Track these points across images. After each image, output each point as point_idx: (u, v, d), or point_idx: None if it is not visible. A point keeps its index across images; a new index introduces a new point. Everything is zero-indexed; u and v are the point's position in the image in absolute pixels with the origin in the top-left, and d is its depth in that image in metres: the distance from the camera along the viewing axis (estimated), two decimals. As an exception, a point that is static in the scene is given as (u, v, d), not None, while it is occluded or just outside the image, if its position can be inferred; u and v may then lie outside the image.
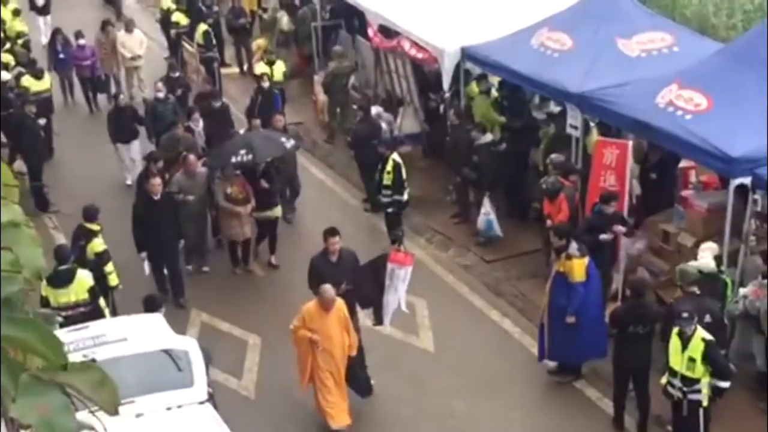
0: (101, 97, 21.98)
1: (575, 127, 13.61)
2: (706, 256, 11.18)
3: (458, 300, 13.89)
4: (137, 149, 17.61)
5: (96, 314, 11.30)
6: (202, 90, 19.14)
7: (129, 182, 17.40)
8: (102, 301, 11.69)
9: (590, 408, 11.49)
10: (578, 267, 11.26)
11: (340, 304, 10.64)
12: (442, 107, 17.50)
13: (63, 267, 11.40)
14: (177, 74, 19.51)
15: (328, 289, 10.50)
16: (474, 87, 16.89)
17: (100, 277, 12.16)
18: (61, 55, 21.81)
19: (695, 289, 10.56)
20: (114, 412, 2.47)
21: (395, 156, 14.88)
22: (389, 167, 14.70)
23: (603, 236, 12.11)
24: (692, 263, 11.10)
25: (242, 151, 14.21)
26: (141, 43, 22.10)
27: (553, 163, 13.66)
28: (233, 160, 14.21)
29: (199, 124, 16.49)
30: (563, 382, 11.92)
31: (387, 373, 12.25)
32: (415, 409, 11.56)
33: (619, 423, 11.06)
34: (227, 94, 21.92)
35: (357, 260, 11.67)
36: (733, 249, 11.53)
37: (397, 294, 11.42)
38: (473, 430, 11.18)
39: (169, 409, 9.26)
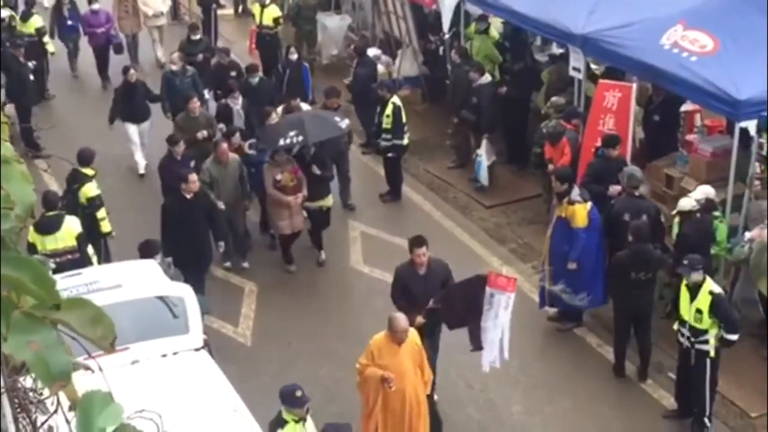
0: (116, 61, 19.14)
1: (578, 70, 13.35)
2: (692, 195, 11.11)
3: (459, 247, 13.73)
4: (147, 131, 16.02)
5: (84, 262, 11.10)
6: (224, 60, 16.77)
7: (142, 171, 15.97)
8: (90, 249, 11.49)
9: (591, 355, 11.42)
10: (580, 212, 11.10)
11: (413, 336, 9.15)
12: (441, 49, 17.19)
13: (51, 213, 11.20)
14: (198, 36, 17.77)
15: (401, 319, 8.98)
16: (473, 28, 16.57)
17: (93, 223, 11.96)
18: (69, 22, 19.64)
19: (635, 191, 11.30)
20: (110, 348, 2.39)
21: (395, 99, 14.63)
22: (389, 111, 14.44)
23: (612, 188, 11.93)
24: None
25: (291, 133, 12.59)
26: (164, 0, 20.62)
27: (554, 106, 13.45)
28: (281, 142, 12.59)
29: (238, 102, 14.81)
30: (564, 329, 11.83)
31: (386, 320, 12.12)
32: (414, 357, 11.44)
33: (619, 370, 10.99)
34: (222, 36, 21.62)
35: (449, 272, 10.15)
36: (738, 193, 11.37)
37: (498, 321, 9.67)
38: (472, 378, 11.06)
39: (164, 356, 9.13)
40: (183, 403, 8.13)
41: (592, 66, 13.91)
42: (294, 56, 16.57)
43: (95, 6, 19.41)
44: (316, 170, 12.88)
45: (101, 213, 12.23)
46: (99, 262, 11.58)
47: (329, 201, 13.33)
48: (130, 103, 15.68)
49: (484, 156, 14.78)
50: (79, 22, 19.62)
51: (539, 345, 11.73)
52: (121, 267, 10.60)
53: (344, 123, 13.37)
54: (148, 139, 15.94)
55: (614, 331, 11.05)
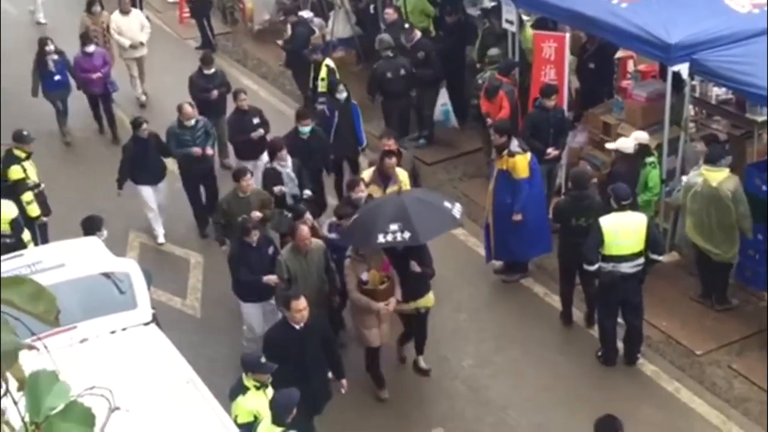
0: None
1: (511, 22, 13.39)
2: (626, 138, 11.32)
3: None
4: (164, 190, 13.41)
5: (19, 247, 10.85)
6: (242, 103, 13.36)
7: (162, 240, 13.37)
8: (27, 234, 11.25)
9: (538, 304, 11.56)
10: (521, 163, 11.18)
11: None
12: (373, 8, 17.09)
13: None
14: (213, 69, 14.54)
15: None
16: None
17: (21, 208, 11.62)
18: (57, 77, 15.74)
19: (389, 53, 14.18)
20: (54, 322, 2.34)
21: (328, 61, 14.52)
22: (323, 74, 14.32)
23: (550, 151, 12.07)
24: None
25: (393, 227, 9.49)
26: (142, 27, 17.13)
27: (490, 59, 13.49)
28: (381, 239, 9.53)
29: (287, 165, 11.71)
30: (510, 281, 11.95)
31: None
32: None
33: (567, 317, 11.14)
34: (148, 4, 21.27)
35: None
36: (673, 137, 11.53)
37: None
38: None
39: (113, 332, 9.07)
40: (135, 377, 8.09)
41: (524, 17, 13.95)
42: (343, 94, 13.19)
43: (89, 48, 15.82)
44: (416, 268, 10.00)
45: (27, 197, 11.89)
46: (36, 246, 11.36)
47: (429, 300, 10.36)
48: (143, 163, 12.90)
49: (448, 102, 14.86)
50: (69, 73, 15.91)
51: (487, 298, 11.85)
52: (63, 246, 10.46)
53: (456, 209, 10.14)
54: (166, 199, 13.51)
55: (559, 279, 11.19)
